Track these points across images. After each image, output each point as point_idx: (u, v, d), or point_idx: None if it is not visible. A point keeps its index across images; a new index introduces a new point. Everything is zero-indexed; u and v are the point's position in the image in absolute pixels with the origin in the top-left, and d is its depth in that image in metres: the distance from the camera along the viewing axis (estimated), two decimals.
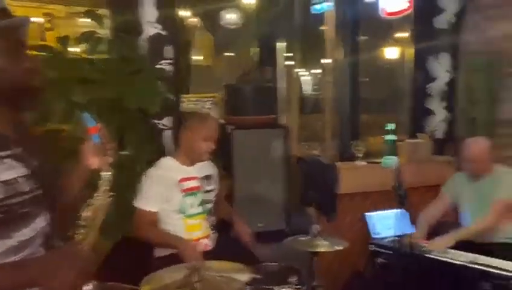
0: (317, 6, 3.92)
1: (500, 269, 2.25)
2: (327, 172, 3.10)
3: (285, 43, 4.01)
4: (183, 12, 3.99)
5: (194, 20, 4.48)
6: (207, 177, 2.34)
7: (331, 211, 3.06)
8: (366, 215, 3.20)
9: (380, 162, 3.39)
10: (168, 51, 2.90)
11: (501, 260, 2.34)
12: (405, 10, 3.85)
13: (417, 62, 4.22)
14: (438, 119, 4.13)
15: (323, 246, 2.09)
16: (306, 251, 2.12)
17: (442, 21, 4.04)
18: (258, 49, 3.96)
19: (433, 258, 2.45)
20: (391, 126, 2.51)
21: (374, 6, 3.89)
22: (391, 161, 2.51)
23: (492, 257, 2.43)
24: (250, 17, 4.19)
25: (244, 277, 1.65)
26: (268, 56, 3.74)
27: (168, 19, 2.90)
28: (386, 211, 3.20)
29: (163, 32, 2.87)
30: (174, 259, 1.94)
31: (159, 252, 2.24)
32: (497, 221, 2.67)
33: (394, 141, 2.63)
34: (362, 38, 4.28)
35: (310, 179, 3.14)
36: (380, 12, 3.91)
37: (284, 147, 2.92)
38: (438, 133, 4.10)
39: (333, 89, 3.89)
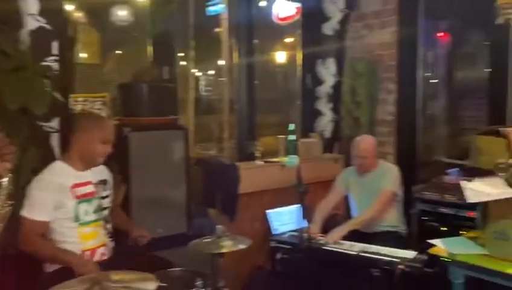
0: (212, 8, 3.95)
1: (386, 255, 2.47)
2: (229, 172, 3.12)
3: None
4: (68, 6, 3.71)
5: (79, 15, 4.19)
6: (102, 182, 2.21)
7: (232, 211, 3.08)
8: (267, 213, 3.29)
9: (276, 161, 3.53)
10: (54, 47, 2.67)
11: (387, 248, 2.57)
12: (294, 16, 4.05)
13: (306, 66, 4.47)
14: (326, 120, 4.42)
15: (227, 246, 2.09)
16: (210, 252, 2.10)
17: (328, 28, 4.33)
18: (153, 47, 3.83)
19: (329, 250, 2.61)
20: (292, 127, 2.61)
21: (268, 11, 4.04)
22: (294, 160, 2.61)
23: (378, 244, 2.66)
24: (143, 14, 4.05)
25: (150, 285, 1.58)
26: (164, 55, 3.64)
27: (52, 12, 2.67)
28: (284, 208, 3.33)
29: (48, 27, 2.64)
30: (66, 273, 1.79)
31: (50, 267, 2.05)
32: (382, 210, 2.93)
33: (295, 140, 2.75)
34: (256, 41, 4.41)
35: (212, 180, 3.13)
36: (273, 17, 4.08)
37: (184, 148, 2.86)
38: (326, 133, 4.40)
39: (229, 90, 3.94)
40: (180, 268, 2.06)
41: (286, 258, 2.74)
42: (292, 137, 2.64)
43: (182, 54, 3.97)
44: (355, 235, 2.81)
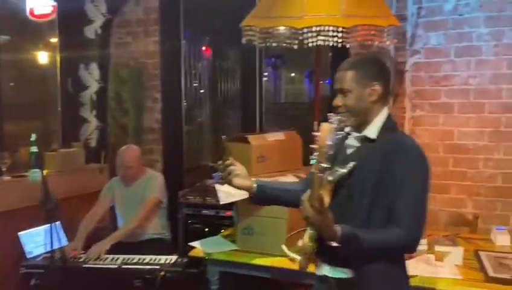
0: None
1: (148, 263, 2.47)
2: None
3: None
4: None
5: None
6: None
7: None
8: (19, 235, 2.90)
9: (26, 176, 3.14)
10: None
11: (151, 256, 2.58)
12: (49, 15, 3.73)
13: (67, 70, 4.15)
14: (92, 128, 4.19)
15: None
16: None
17: (91, 31, 4.11)
18: None
19: (88, 267, 2.45)
20: (33, 137, 2.35)
21: (21, 6, 3.59)
22: (37, 174, 2.35)
23: (143, 253, 2.65)
24: None
25: None
26: None
27: None
28: (38, 228, 2.99)
29: None
30: None
31: None
32: (147, 218, 2.93)
33: (37, 152, 2.47)
34: (4, 38, 3.86)
35: None
36: (28, 13, 3.66)
37: None
38: (92, 142, 4.17)
39: None
40: None
41: (39, 284, 2.45)
42: (34, 149, 2.38)
43: None
44: (120, 247, 2.73)
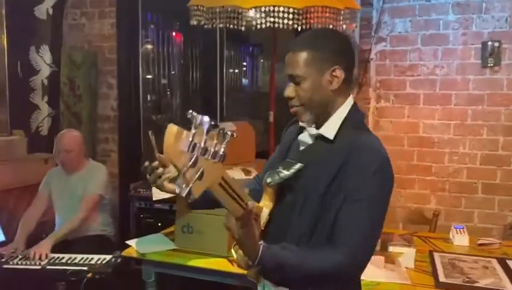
0: None
1: (78, 264, 2.27)
2: None
3: None
4: None
5: None
6: None
7: None
8: None
9: None
10: None
11: (83, 255, 2.37)
12: None
13: (16, 52, 3.87)
14: (43, 115, 3.93)
15: None
16: None
17: (42, 11, 3.84)
18: None
19: (8, 268, 2.23)
20: None
21: None
22: None
23: (81, 251, 2.44)
24: None
25: None
26: None
27: None
28: None
29: None
30: None
31: None
32: (88, 215, 2.71)
33: None
34: None
35: None
36: None
37: None
38: (43, 130, 3.91)
39: None
40: None
41: None
42: None
43: None
44: (57, 244, 2.50)
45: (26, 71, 3.86)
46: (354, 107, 1.25)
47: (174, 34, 5.09)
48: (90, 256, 2.34)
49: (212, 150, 0.86)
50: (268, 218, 1.26)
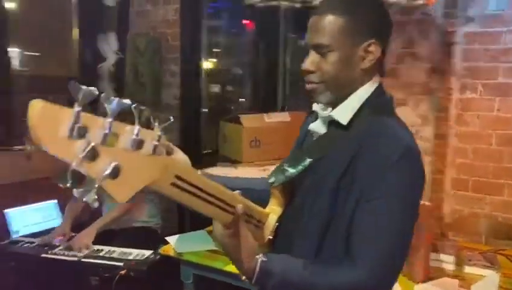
0: None
1: (114, 259, 2.16)
2: None
3: None
4: None
5: None
6: None
7: None
8: (5, 212, 2.72)
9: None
10: None
11: (122, 249, 2.27)
12: None
13: (86, 40, 3.93)
14: None
15: None
16: None
17: None
18: None
19: (49, 258, 2.18)
20: None
21: None
22: None
23: (122, 244, 2.34)
24: None
25: None
26: None
27: None
28: (28, 206, 2.81)
29: None
30: None
31: None
32: (132, 206, 2.61)
33: None
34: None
35: None
36: None
37: None
38: None
39: None
40: None
41: None
42: None
43: None
44: (100, 235, 2.43)
45: (95, 59, 3.92)
46: (378, 90, 1.00)
47: (243, 21, 4.91)
48: (129, 251, 2.23)
49: (133, 138, 0.62)
50: (276, 226, 1.03)
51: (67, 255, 2.15)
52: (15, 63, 3.94)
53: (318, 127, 1.04)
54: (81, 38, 3.89)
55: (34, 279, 2.11)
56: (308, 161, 0.98)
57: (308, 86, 1.01)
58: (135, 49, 3.85)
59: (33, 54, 4.34)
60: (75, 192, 0.59)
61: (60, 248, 2.27)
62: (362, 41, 0.96)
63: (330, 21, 0.95)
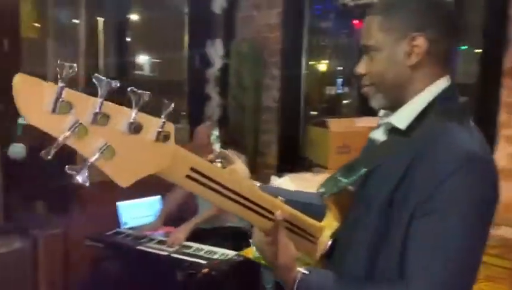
0: None
1: (199, 256, 2.24)
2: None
3: None
4: None
5: None
6: None
7: (65, 202, 2.76)
8: (118, 205, 3.01)
9: None
10: None
11: (209, 247, 2.35)
12: None
13: (195, 47, 4.17)
14: (214, 106, 4.16)
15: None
16: None
17: (217, 6, 4.03)
18: None
19: (142, 250, 2.35)
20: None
21: None
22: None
23: (212, 243, 2.43)
24: None
25: None
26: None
27: None
28: (138, 200, 3.06)
29: None
30: None
31: None
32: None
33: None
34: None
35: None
36: None
37: None
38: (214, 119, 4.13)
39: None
40: None
41: (101, 257, 2.47)
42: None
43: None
44: (199, 232, 2.56)
45: (202, 64, 4.15)
46: (448, 92, 0.89)
47: (353, 21, 4.76)
48: (215, 250, 2.30)
49: (130, 121, 0.62)
50: (331, 242, 0.97)
51: (159, 249, 2.30)
52: (142, 68, 4.34)
53: (378, 134, 0.97)
54: (191, 45, 4.15)
55: (128, 268, 2.29)
56: (362, 171, 0.91)
57: (362, 90, 0.96)
58: (239, 54, 3.97)
59: (155, 60, 4.74)
60: (68, 169, 0.61)
61: (155, 241, 2.43)
62: (404, 36, 0.89)
63: (370, 21, 0.93)
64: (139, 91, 0.64)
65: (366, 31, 0.94)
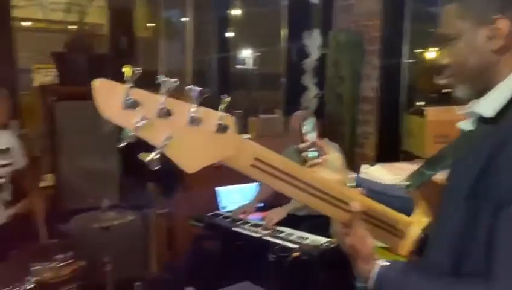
0: None
1: (291, 241, 2.30)
2: None
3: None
4: None
5: None
6: (1, 151, 2.23)
7: (172, 186, 3.02)
8: (217, 190, 3.20)
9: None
10: None
11: (301, 233, 2.40)
12: None
13: (293, 38, 4.22)
14: (311, 96, 4.18)
15: (114, 219, 2.07)
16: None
17: None
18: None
19: (237, 231, 2.48)
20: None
21: None
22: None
23: (304, 229, 2.49)
24: None
25: None
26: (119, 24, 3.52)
27: None
28: (239, 186, 3.22)
29: None
30: None
31: None
32: None
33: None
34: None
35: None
36: None
37: None
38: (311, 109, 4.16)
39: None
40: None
41: (202, 236, 2.66)
42: None
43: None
44: (284, 218, 2.64)
45: (300, 55, 4.19)
46: None
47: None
48: (306, 235, 2.35)
49: (191, 115, 0.69)
50: (421, 238, 0.94)
51: (253, 231, 2.42)
52: (246, 62, 4.52)
53: (466, 124, 0.92)
54: (289, 37, 4.22)
55: (224, 247, 2.44)
56: (447, 162, 0.89)
57: (445, 81, 0.93)
58: (337, 44, 3.93)
59: (255, 54, 4.91)
60: (142, 156, 0.70)
61: (250, 224, 2.56)
62: (484, 20, 0.85)
63: (446, 10, 0.91)
64: (197, 88, 0.71)
65: (444, 20, 0.92)
